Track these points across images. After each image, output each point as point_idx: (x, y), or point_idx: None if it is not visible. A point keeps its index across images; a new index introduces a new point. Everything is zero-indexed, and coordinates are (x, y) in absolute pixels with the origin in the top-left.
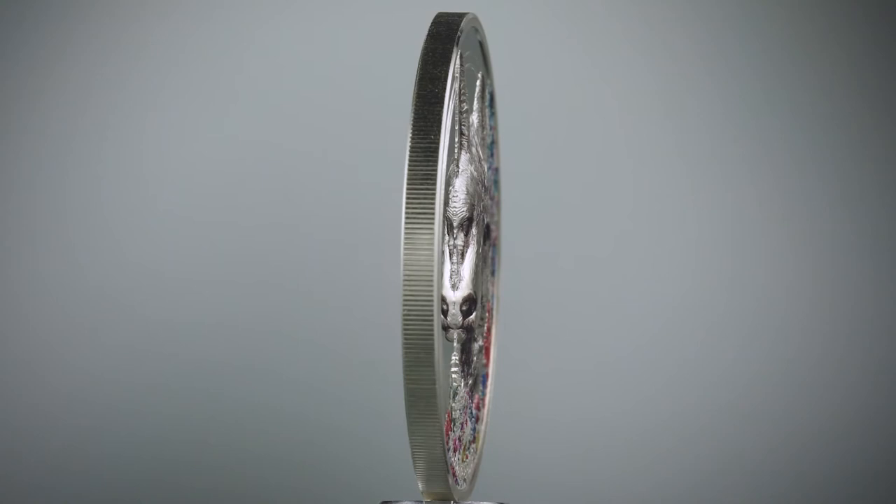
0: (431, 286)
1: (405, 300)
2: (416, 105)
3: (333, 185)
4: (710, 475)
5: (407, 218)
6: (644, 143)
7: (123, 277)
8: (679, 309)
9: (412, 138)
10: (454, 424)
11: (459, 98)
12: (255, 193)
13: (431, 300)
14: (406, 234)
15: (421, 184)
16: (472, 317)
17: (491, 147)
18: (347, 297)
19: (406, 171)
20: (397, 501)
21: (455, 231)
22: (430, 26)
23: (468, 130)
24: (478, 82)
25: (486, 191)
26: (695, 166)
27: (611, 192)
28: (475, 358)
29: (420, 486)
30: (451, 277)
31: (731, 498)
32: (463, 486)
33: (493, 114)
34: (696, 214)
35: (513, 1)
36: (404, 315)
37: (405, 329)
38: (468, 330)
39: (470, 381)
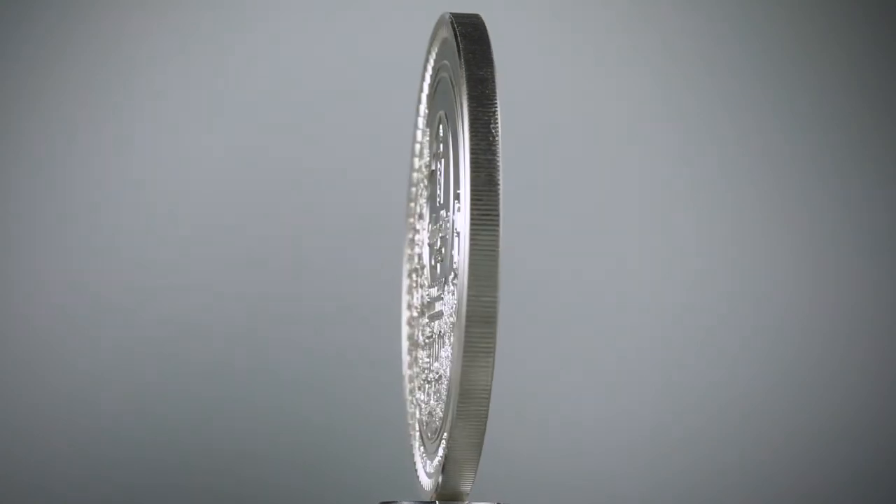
0: (496, 288)
1: (469, 302)
2: (470, 107)
3: (331, 187)
4: (709, 475)
5: (472, 220)
6: (645, 147)
7: (122, 280)
8: (679, 311)
9: (471, 139)
10: None
11: None
12: (253, 195)
13: (495, 302)
14: (472, 236)
15: (484, 186)
16: None
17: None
18: (347, 299)
19: (469, 176)
20: (397, 502)
21: None
22: (457, 27)
23: None
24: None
25: None
26: (697, 171)
27: (613, 196)
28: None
29: (438, 485)
30: None
31: (731, 499)
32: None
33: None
34: (697, 218)
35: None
36: (468, 316)
37: (468, 329)
38: None
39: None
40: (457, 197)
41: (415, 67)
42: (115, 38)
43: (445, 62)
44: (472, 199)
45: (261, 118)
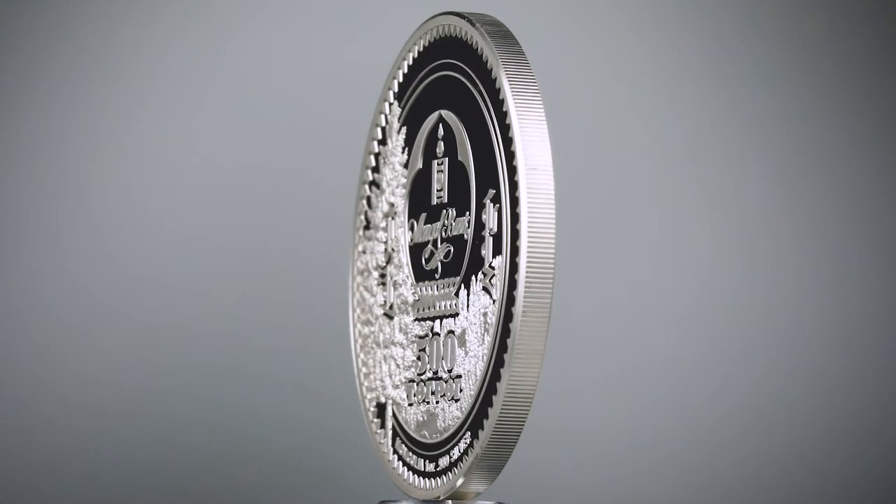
0: (551, 288)
1: (525, 302)
2: (517, 107)
3: (321, 187)
4: (715, 484)
5: (529, 220)
6: (655, 153)
7: (114, 281)
8: (688, 317)
9: (523, 138)
10: None
11: None
12: (241, 197)
13: (550, 302)
14: (529, 236)
15: (542, 187)
16: None
17: None
18: (345, 299)
19: (525, 176)
20: (396, 501)
21: None
22: (477, 26)
23: None
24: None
25: None
26: (707, 179)
27: (623, 203)
28: None
29: (454, 486)
30: None
31: None
32: None
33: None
34: (706, 224)
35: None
36: (524, 312)
37: (522, 329)
38: None
39: None
40: (493, 198)
41: (372, 70)
42: (107, 43)
43: (453, 62)
44: (529, 201)
45: (250, 122)
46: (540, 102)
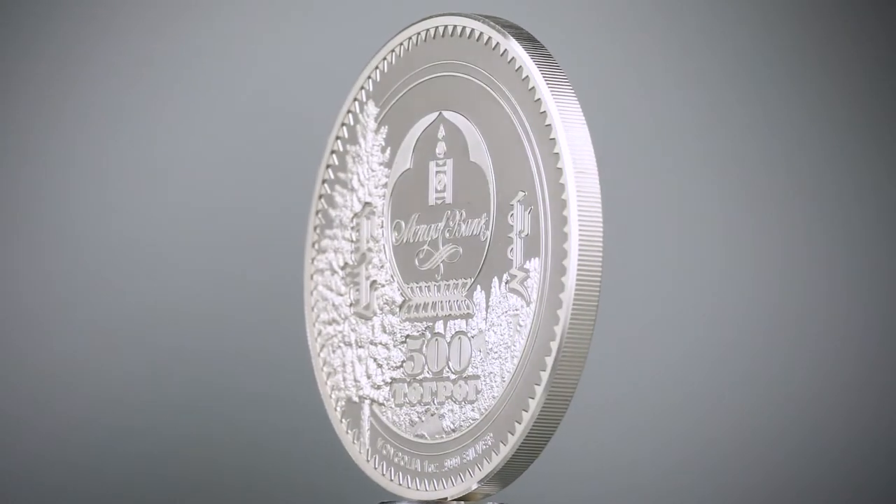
0: (597, 292)
1: (576, 300)
2: (556, 101)
3: (286, 185)
4: (722, 491)
5: (581, 223)
6: (667, 154)
7: (73, 283)
8: (705, 319)
9: (568, 139)
10: None
11: None
12: (239, 189)
13: (597, 306)
14: (580, 239)
15: (590, 190)
16: None
17: None
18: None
19: (573, 178)
20: (396, 501)
21: None
22: (493, 27)
23: None
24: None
25: None
26: (717, 184)
27: (634, 205)
28: None
29: (471, 486)
30: None
31: None
32: None
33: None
34: (722, 223)
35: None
36: (573, 315)
37: (571, 329)
38: None
39: None
40: (523, 200)
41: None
42: (119, 47)
43: (458, 63)
44: (579, 204)
45: (241, 115)
46: (578, 105)
